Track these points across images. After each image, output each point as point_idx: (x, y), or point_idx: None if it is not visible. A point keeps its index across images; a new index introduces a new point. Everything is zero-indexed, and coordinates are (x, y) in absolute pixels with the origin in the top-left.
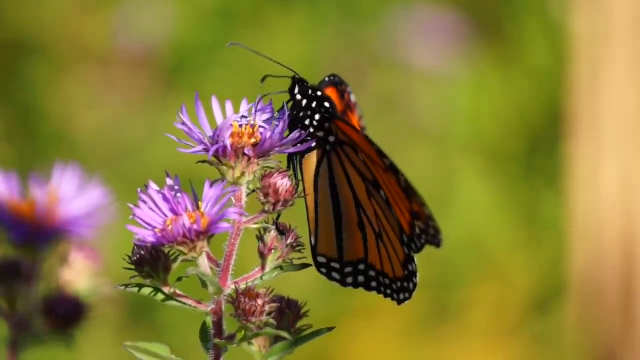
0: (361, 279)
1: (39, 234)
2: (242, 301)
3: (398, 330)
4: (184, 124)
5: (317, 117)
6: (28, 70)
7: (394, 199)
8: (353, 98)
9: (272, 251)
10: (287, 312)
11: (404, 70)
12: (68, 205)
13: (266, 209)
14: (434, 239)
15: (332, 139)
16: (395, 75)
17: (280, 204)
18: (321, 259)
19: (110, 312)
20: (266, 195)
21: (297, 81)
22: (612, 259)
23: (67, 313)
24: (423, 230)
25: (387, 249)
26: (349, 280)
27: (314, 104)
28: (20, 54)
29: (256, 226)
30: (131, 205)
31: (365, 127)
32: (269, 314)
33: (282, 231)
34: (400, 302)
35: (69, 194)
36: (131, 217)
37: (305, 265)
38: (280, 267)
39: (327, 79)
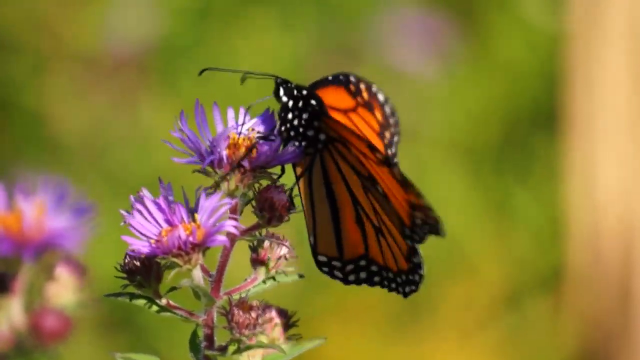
0: (363, 275)
1: (26, 247)
2: (235, 313)
3: (371, 328)
4: (180, 130)
5: (304, 115)
6: (9, 67)
7: (391, 191)
8: (381, 97)
9: (265, 262)
10: (277, 322)
11: (382, 69)
12: (54, 218)
13: (261, 222)
14: (435, 228)
15: (322, 136)
16: (373, 73)
17: (276, 219)
18: (322, 258)
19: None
20: (261, 209)
21: (281, 83)
22: (610, 255)
23: (52, 327)
24: (424, 221)
25: (389, 243)
26: (351, 277)
27: (300, 104)
28: (1, 49)
29: (250, 238)
30: (124, 213)
31: (393, 123)
32: (261, 325)
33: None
34: (406, 295)
35: (55, 206)
36: (122, 224)
37: (299, 276)
38: (273, 278)
39: (330, 77)
